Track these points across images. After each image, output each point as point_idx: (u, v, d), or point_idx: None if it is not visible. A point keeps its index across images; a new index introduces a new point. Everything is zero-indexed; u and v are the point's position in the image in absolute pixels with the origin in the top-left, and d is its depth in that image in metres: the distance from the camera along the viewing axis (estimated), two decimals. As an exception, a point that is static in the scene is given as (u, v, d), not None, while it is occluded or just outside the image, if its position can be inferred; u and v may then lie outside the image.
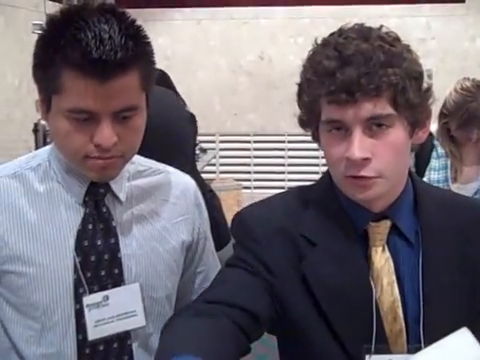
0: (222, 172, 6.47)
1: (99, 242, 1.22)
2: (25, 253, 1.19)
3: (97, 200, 1.24)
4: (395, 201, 1.14)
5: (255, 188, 6.31)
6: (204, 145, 5.27)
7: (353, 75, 1.02)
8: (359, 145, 1.04)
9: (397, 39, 1.10)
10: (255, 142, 6.51)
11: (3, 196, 1.22)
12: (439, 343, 0.87)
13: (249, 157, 6.52)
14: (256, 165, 6.50)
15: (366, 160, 1.06)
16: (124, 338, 1.23)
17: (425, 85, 1.10)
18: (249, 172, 6.48)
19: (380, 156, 1.06)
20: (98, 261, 1.22)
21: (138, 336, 1.25)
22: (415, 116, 1.09)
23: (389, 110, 1.05)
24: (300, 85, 1.12)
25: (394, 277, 1.12)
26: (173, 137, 2.19)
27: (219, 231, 1.58)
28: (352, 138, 1.05)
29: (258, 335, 1.09)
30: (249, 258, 1.13)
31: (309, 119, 1.13)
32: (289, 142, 6.37)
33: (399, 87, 1.04)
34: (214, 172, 6.37)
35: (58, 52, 1.09)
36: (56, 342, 1.21)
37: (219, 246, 1.43)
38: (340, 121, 1.06)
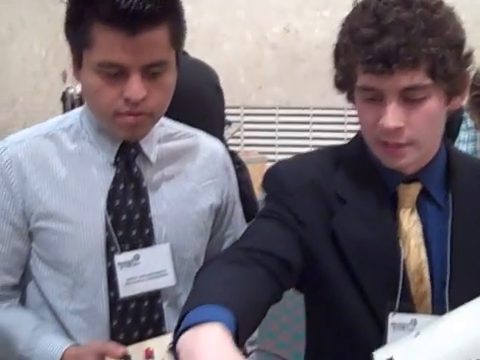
0: (246, 145, 6.47)
1: (130, 202, 1.24)
2: (58, 211, 1.22)
3: (128, 160, 1.25)
4: (427, 165, 1.14)
5: (279, 161, 6.29)
6: (229, 118, 5.26)
7: (391, 45, 1.00)
8: (393, 115, 1.04)
9: (440, 3, 1.07)
10: (280, 115, 6.49)
11: (37, 155, 1.24)
12: (467, 306, 0.88)
13: (274, 130, 6.50)
14: (281, 138, 6.48)
15: (399, 129, 1.05)
16: (154, 297, 1.26)
17: (466, 50, 1.08)
18: (274, 145, 6.47)
19: (414, 125, 1.06)
20: (129, 221, 1.24)
21: (168, 295, 1.27)
22: (453, 85, 1.07)
23: (426, 81, 1.04)
24: (337, 47, 1.11)
25: (422, 240, 1.12)
26: (202, 104, 2.19)
27: (247, 205, 1.58)
28: (386, 108, 1.04)
29: (290, 284, 1.10)
30: (281, 210, 1.13)
31: (345, 82, 1.12)
32: (314, 115, 6.34)
33: (438, 57, 1.02)
34: (238, 145, 6.37)
35: (88, 6, 1.11)
36: (88, 299, 1.24)
37: (246, 220, 1.44)
38: (375, 89, 1.05)
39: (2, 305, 1.26)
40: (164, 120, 1.31)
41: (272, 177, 1.21)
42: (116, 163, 1.25)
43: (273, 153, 6.37)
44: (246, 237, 1.14)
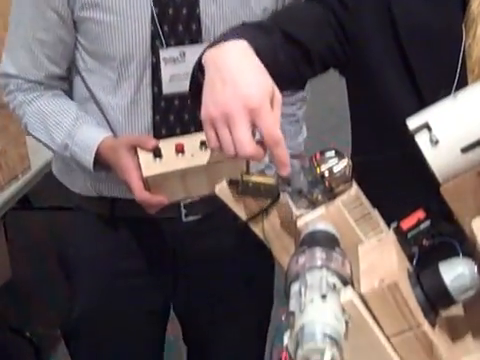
0: None
1: None
2: (103, 0, 1.18)
3: None
4: None
5: None
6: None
7: None
8: None
9: None
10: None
11: None
12: None
13: None
14: None
15: None
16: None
17: None
18: None
19: None
20: (176, 15, 1.20)
21: None
22: None
23: None
24: None
25: None
26: None
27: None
28: None
29: (309, 74, 1.02)
30: None
31: None
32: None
33: None
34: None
35: None
36: (131, 93, 1.23)
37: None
38: None
39: (48, 93, 1.28)
40: None
41: None
42: None
43: None
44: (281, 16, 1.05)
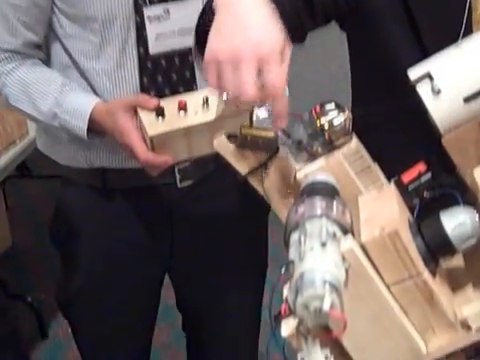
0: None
1: None
2: None
3: None
4: None
5: None
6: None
7: None
8: None
9: None
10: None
11: None
12: None
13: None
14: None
15: None
16: (185, 54, 1.20)
17: None
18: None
19: None
20: None
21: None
22: None
23: None
24: None
25: None
26: None
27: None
28: None
29: (311, 26, 1.00)
30: None
31: None
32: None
33: None
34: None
35: None
36: (116, 56, 1.19)
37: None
38: None
39: (26, 62, 1.22)
40: None
41: None
42: None
43: None
44: None
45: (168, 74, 1.20)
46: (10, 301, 2.41)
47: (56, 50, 1.24)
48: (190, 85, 1.22)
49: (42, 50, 1.25)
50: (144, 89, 1.20)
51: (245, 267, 1.42)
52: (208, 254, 1.37)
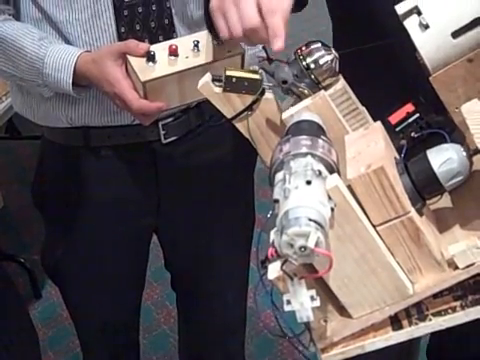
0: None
1: None
2: None
3: None
4: None
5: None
6: None
7: None
8: None
9: None
10: None
11: None
12: None
13: None
14: None
15: None
16: (162, 0, 1.16)
17: None
18: None
19: None
20: None
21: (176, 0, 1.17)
22: None
23: None
24: None
25: None
26: None
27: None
28: None
29: None
30: None
31: None
32: None
33: None
34: None
35: None
36: (90, 4, 1.13)
37: None
38: None
39: None
40: None
41: None
42: None
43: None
44: None
45: (146, 22, 1.15)
46: (3, 262, 2.41)
47: (25, 3, 1.17)
48: (169, 33, 1.18)
49: (10, 4, 1.18)
50: (122, 39, 1.14)
51: (232, 221, 1.41)
52: (194, 209, 1.36)
